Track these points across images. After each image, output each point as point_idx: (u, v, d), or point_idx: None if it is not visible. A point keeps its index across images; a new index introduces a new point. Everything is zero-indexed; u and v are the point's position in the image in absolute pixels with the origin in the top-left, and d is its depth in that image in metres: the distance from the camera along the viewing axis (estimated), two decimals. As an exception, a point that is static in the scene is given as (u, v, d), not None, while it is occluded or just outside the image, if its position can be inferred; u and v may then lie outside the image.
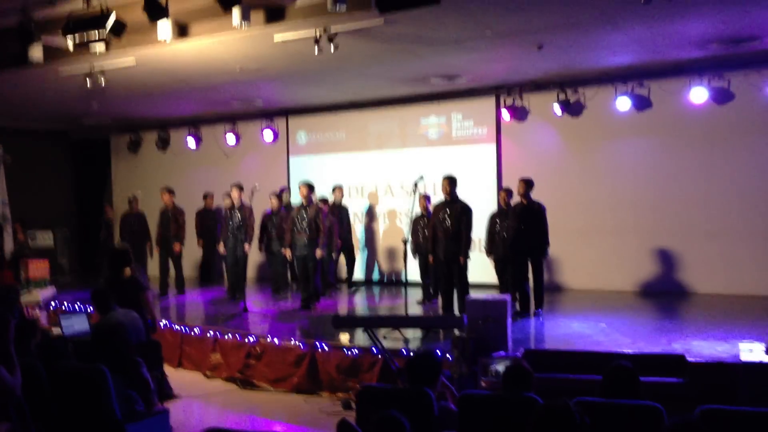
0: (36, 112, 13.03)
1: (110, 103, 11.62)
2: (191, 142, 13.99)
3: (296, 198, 10.44)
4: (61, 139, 15.64)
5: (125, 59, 8.52)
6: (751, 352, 5.71)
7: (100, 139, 15.82)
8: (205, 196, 12.82)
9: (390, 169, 12.33)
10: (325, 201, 11.04)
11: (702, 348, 6.57)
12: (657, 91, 10.17)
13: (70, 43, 7.35)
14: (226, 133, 13.57)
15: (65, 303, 10.47)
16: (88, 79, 8.78)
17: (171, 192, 11.68)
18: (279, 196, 11.41)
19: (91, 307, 8.91)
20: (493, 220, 9.63)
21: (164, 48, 7.91)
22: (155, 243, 11.74)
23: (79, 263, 14.93)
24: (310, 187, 9.80)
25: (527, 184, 8.93)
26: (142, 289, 6.84)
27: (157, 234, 11.65)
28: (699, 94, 9.70)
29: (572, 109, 10.77)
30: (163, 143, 14.54)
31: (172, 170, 14.45)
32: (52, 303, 10.49)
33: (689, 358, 6.03)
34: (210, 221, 12.60)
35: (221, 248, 10.66)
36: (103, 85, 8.86)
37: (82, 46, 7.45)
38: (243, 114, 13.32)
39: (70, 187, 15.86)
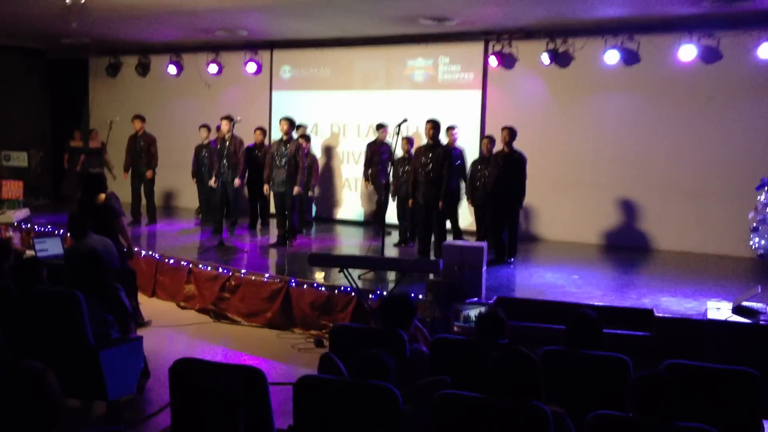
0: (12, 28, 12.61)
1: (91, 23, 11.25)
2: (172, 69, 13.69)
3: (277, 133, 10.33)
4: (39, 58, 15.19)
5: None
6: (718, 310, 5.83)
7: (79, 60, 15.39)
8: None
9: (374, 110, 12.18)
10: (307, 138, 10.93)
11: (670, 304, 6.71)
12: (646, 46, 10.10)
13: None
14: (208, 63, 13.29)
15: (39, 225, 10.37)
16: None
17: (142, 119, 11.48)
18: (263, 130, 11.26)
19: (65, 231, 8.85)
20: (474, 167, 9.62)
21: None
22: (123, 170, 11.61)
23: (53, 186, 14.72)
24: (291, 123, 9.68)
25: (511, 132, 8.88)
26: (117, 215, 6.78)
27: (126, 161, 11.51)
28: (688, 51, 9.65)
29: (560, 59, 10.67)
30: (144, 69, 14.22)
31: (152, 98, 14.16)
32: (26, 225, 10.39)
33: (657, 314, 6.15)
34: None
35: (212, 182, 10.48)
36: (83, 2, 8.58)
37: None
38: (226, 44, 13.02)
39: (46, 109, 15.50)
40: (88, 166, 12.17)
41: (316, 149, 12.15)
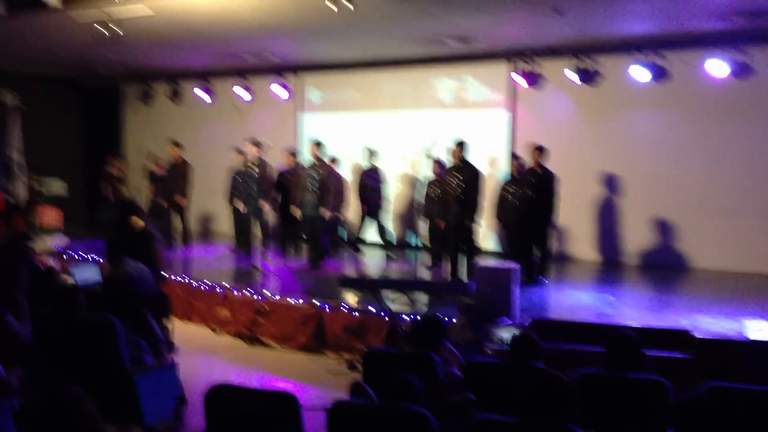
0: (50, 58, 12.94)
1: (124, 52, 11.52)
2: (203, 95, 13.90)
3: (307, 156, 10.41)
4: (74, 87, 15.56)
5: (141, 8, 8.44)
6: (759, 330, 5.70)
7: (113, 88, 15.75)
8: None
9: (402, 131, 12.23)
10: (335, 160, 11.00)
11: (709, 324, 6.57)
12: (676, 62, 9.99)
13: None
14: (238, 88, 13.46)
15: (76, 252, 10.53)
16: (103, 27, 8.71)
17: (177, 145, 11.63)
18: (293, 153, 11.36)
19: (101, 257, 8.98)
20: (504, 187, 9.58)
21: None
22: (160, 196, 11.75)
23: (89, 213, 14.96)
24: (320, 146, 9.75)
25: (541, 151, 8.87)
26: (154, 240, 6.86)
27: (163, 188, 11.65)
28: (718, 67, 9.54)
29: (588, 77, 10.60)
30: (175, 95, 14.46)
31: (184, 123, 14.41)
32: (63, 251, 10.57)
33: (696, 334, 6.03)
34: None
35: (241, 206, 10.59)
36: (119, 33, 8.79)
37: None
38: (255, 69, 13.19)
39: (82, 136, 15.84)
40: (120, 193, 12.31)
41: (345, 171, 12.20)
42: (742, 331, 5.98)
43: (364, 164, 11.24)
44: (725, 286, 8.95)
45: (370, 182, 10.99)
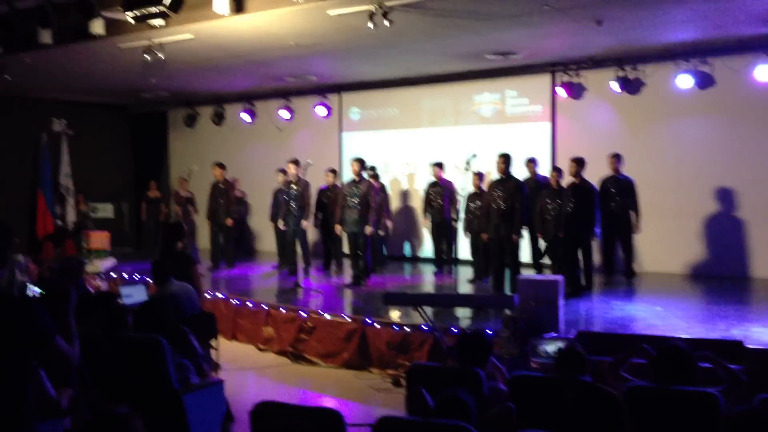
0: (96, 86, 13.33)
1: (168, 77, 11.81)
2: (246, 117, 14.14)
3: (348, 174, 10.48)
4: (121, 113, 16.01)
5: (183, 33, 8.64)
6: (814, 340, 5.52)
7: (158, 113, 16.14)
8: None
9: (443, 147, 12.23)
10: (376, 177, 11.04)
11: (762, 335, 6.39)
12: (720, 68, 9.81)
13: (129, 17, 7.48)
14: (279, 109, 13.66)
15: (125, 274, 10.76)
16: (147, 53, 8.94)
17: (222, 166, 11.82)
18: (334, 171, 11.44)
19: (149, 278, 9.15)
20: (543, 199, 9.50)
21: (221, 22, 7.99)
22: (206, 217, 11.94)
23: (137, 235, 15.31)
24: (362, 163, 9.81)
25: (579, 163, 8.85)
26: (193, 262, 7.00)
27: (209, 208, 11.84)
28: (764, 71, 9.32)
29: (631, 86, 10.47)
30: (219, 118, 14.74)
31: (227, 145, 14.66)
32: (112, 273, 10.81)
33: (748, 345, 5.87)
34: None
35: (281, 224, 10.74)
36: (162, 59, 9.00)
37: (142, 21, 7.58)
38: (296, 89, 13.38)
39: (129, 161, 16.25)
40: (161, 215, 12.63)
41: (387, 188, 12.25)
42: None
43: (431, 178, 11.19)
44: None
45: (438, 197, 10.90)
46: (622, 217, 9.34)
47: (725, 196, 10.11)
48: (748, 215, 9.96)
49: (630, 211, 9.41)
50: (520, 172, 9.70)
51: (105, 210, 14.37)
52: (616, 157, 9.44)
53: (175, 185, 13.54)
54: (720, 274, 10.00)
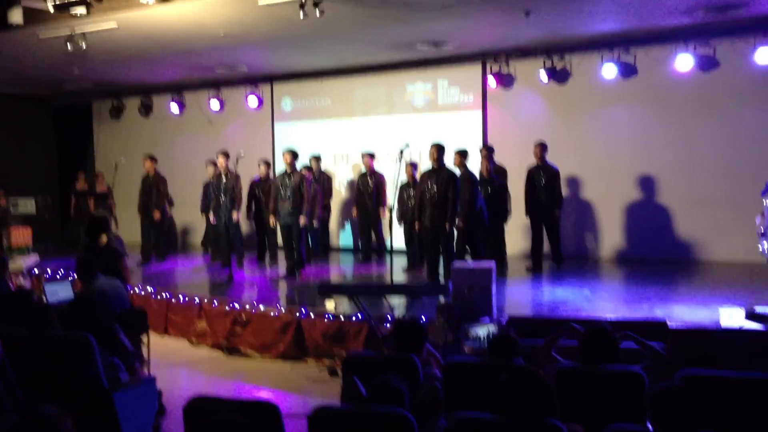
0: (16, 77, 12.81)
1: (92, 67, 11.43)
2: (174, 108, 13.84)
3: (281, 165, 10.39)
4: (43, 105, 15.41)
5: (107, 23, 8.38)
6: (731, 317, 5.79)
7: (82, 104, 15.61)
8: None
9: (376, 136, 12.27)
10: (309, 168, 11.00)
11: (683, 314, 6.66)
12: (643, 58, 10.14)
13: (50, 6, 7.21)
14: (209, 99, 13.43)
15: (48, 270, 10.41)
16: (69, 42, 8.63)
17: (153, 159, 11.57)
18: (267, 163, 11.33)
19: (74, 275, 8.88)
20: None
21: (146, 11, 7.79)
22: (138, 210, 11.67)
23: (61, 231, 14.82)
24: (294, 155, 9.75)
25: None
26: (120, 256, 6.80)
27: (139, 201, 11.58)
28: (685, 61, 9.69)
29: (558, 76, 10.73)
30: (146, 109, 14.38)
31: (156, 137, 14.32)
32: (35, 270, 10.44)
33: (670, 324, 6.11)
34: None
35: (212, 217, 10.58)
36: (84, 48, 8.71)
37: (63, 9, 7.32)
38: (227, 80, 13.17)
39: (52, 154, 15.68)
40: (90, 209, 12.35)
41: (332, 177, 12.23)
42: (715, 319, 6.06)
43: (363, 169, 11.23)
44: (698, 275, 9.09)
45: (368, 187, 10.97)
46: (548, 205, 9.54)
47: (648, 183, 10.47)
48: (669, 201, 10.34)
49: (555, 199, 9.60)
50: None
51: (27, 205, 13.83)
52: (541, 146, 9.65)
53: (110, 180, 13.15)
54: (642, 257, 10.35)
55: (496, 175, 9.60)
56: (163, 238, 11.76)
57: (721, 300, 7.08)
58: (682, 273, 9.46)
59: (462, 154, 9.02)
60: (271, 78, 13.16)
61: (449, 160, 8.92)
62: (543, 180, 9.53)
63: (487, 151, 9.65)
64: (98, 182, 12.77)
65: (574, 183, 10.92)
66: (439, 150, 8.78)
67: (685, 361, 4.75)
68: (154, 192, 11.43)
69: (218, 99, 13.41)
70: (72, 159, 15.35)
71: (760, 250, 8.63)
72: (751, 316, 5.73)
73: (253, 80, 13.08)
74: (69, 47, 8.65)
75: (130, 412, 4.75)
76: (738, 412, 3.59)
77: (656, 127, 10.40)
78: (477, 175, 9.27)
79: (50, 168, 15.49)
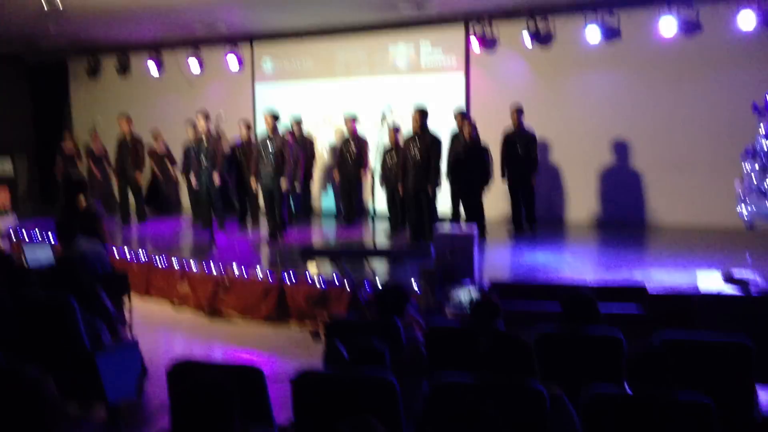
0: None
1: (67, 25, 11.16)
2: (153, 67, 13.59)
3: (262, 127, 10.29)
4: (16, 64, 15.07)
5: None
6: (708, 280, 5.88)
7: (58, 63, 15.29)
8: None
9: (358, 99, 12.17)
10: (291, 132, 10.91)
11: (662, 278, 6.75)
12: (626, 21, 10.09)
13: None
14: (188, 58, 13.21)
15: (27, 232, 10.31)
16: (43, 1, 8.42)
17: (129, 120, 11.38)
18: (248, 125, 11.21)
19: (54, 236, 8.81)
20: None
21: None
22: (113, 172, 11.54)
23: (40, 192, 14.65)
24: (276, 117, 9.65)
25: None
26: (99, 218, 6.74)
27: (116, 163, 11.44)
28: (668, 24, 9.65)
29: (542, 39, 10.66)
30: (123, 68, 14.11)
31: (134, 97, 14.09)
32: (14, 231, 10.33)
33: (649, 288, 6.20)
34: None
35: (193, 180, 10.46)
36: (59, 6, 8.50)
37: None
38: (206, 39, 12.94)
39: (27, 113, 15.39)
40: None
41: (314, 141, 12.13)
42: (692, 283, 6.15)
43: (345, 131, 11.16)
44: (678, 239, 9.18)
45: (349, 151, 10.93)
46: (524, 169, 9.54)
47: (627, 147, 10.51)
48: (648, 165, 10.41)
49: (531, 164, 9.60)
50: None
51: (3, 165, 13.60)
52: (518, 111, 9.59)
53: (86, 139, 12.91)
54: (623, 222, 10.44)
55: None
56: (141, 200, 11.66)
57: (698, 264, 7.18)
58: (661, 237, 9.56)
59: (465, 116, 9.06)
60: (251, 37, 12.96)
61: (439, 124, 8.88)
62: (520, 144, 9.49)
63: (466, 116, 9.56)
64: (94, 142, 12.38)
65: (554, 146, 10.94)
66: (422, 115, 8.75)
67: (663, 324, 4.83)
68: (131, 153, 11.28)
69: (197, 58, 13.19)
70: (49, 118, 15.09)
71: (739, 213, 8.76)
72: (728, 279, 5.82)
73: (233, 40, 12.87)
74: (44, 4, 8.44)
75: (113, 374, 4.77)
76: (714, 373, 3.67)
77: (638, 91, 10.41)
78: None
79: (26, 128, 15.22)
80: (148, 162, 12.13)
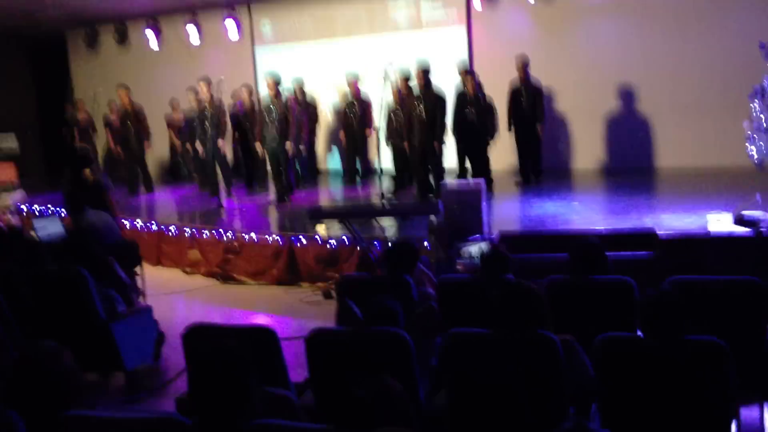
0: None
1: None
2: (151, 35, 13.45)
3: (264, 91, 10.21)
4: (16, 39, 14.95)
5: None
6: (718, 222, 5.85)
7: (57, 37, 15.16)
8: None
9: (359, 58, 12.02)
10: (294, 95, 10.82)
11: (672, 222, 6.72)
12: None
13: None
14: (186, 24, 13.05)
15: (37, 206, 10.35)
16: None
17: (127, 89, 11.23)
18: (249, 90, 11.12)
19: (63, 210, 8.85)
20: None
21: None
22: (116, 143, 11.50)
23: (46, 165, 14.66)
24: (277, 81, 9.56)
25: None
26: (105, 189, 6.75)
27: (119, 134, 11.39)
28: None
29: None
30: (122, 37, 13.97)
31: (133, 66, 13.97)
32: (23, 207, 10.38)
33: (659, 232, 6.17)
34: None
35: (200, 149, 10.39)
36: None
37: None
38: (203, 3, 12.76)
39: (29, 88, 15.33)
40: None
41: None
42: (703, 225, 6.12)
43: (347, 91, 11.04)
44: (688, 182, 9.11)
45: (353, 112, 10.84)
46: (531, 120, 9.45)
47: (635, 92, 10.39)
48: (656, 110, 10.29)
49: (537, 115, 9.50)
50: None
51: (7, 141, 13.58)
52: (525, 64, 9.44)
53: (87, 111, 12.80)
54: (631, 167, 10.34)
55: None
56: (147, 169, 11.63)
57: (708, 206, 7.12)
58: (669, 181, 9.50)
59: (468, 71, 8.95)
60: (249, 1, 12.77)
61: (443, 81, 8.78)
62: (526, 96, 9.38)
63: (470, 71, 9.41)
64: (113, 113, 12.14)
65: (559, 96, 10.82)
66: (424, 72, 8.67)
67: (674, 268, 4.82)
68: (133, 123, 11.17)
69: (195, 24, 13.03)
70: (50, 93, 15.03)
71: (748, 154, 8.66)
72: (738, 221, 5.78)
73: (231, 4, 12.70)
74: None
75: (130, 342, 4.83)
76: (726, 314, 3.67)
77: (644, 36, 10.25)
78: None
79: (29, 103, 15.17)
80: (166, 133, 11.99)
